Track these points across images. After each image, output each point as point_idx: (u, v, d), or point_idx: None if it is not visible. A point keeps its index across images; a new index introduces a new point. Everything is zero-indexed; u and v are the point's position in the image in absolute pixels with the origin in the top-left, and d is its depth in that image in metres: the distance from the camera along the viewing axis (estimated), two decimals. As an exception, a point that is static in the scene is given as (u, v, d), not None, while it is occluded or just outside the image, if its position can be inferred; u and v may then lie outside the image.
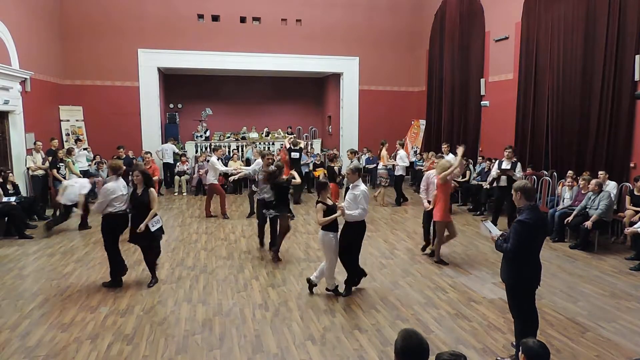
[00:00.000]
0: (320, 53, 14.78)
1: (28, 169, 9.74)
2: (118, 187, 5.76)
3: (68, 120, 12.87)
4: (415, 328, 3.03)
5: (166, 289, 5.72)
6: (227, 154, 13.34)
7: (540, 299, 4.63)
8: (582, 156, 8.92)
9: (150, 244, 5.83)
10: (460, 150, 7.07)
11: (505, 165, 8.74)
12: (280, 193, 6.81)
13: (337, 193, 9.09)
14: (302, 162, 12.81)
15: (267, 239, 7.39)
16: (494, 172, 8.98)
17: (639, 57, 7.74)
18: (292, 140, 11.72)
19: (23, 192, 9.38)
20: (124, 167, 6.19)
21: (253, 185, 9.49)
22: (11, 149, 9.92)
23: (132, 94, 13.58)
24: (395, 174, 11.18)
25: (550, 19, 9.61)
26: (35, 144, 10.12)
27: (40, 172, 9.88)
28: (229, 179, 10.02)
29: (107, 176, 6.09)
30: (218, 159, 9.77)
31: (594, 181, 7.40)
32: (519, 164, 8.79)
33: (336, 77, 16.09)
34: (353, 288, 5.64)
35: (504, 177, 8.69)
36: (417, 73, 15.58)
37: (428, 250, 7.11)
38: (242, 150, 14.42)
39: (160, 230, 5.91)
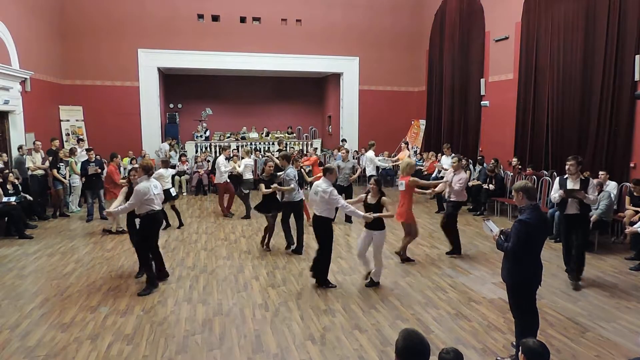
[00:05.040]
0: (320, 53, 14.80)
1: (28, 168, 9.56)
2: (150, 187, 5.62)
3: (68, 120, 12.88)
4: (416, 328, 3.03)
5: (166, 289, 5.72)
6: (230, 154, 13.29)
7: (540, 299, 4.63)
8: (582, 156, 8.84)
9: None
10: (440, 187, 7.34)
11: (572, 184, 5.95)
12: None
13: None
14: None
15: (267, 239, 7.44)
16: (557, 194, 5.97)
17: (639, 57, 7.74)
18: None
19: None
20: (152, 168, 5.97)
21: (241, 187, 9.57)
22: (11, 149, 9.93)
23: (132, 94, 13.59)
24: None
25: (550, 19, 9.61)
26: (34, 143, 10.00)
27: (40, 172, 9.70)
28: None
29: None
30: (226, 159, 9.93)
31: (594, 181, 7.38)
32: (591, 181, 6.04)
33: (336, 77, 16.09)
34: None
35: (572, 201, 5.89)
36: (417, 73, 15.58)
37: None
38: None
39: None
